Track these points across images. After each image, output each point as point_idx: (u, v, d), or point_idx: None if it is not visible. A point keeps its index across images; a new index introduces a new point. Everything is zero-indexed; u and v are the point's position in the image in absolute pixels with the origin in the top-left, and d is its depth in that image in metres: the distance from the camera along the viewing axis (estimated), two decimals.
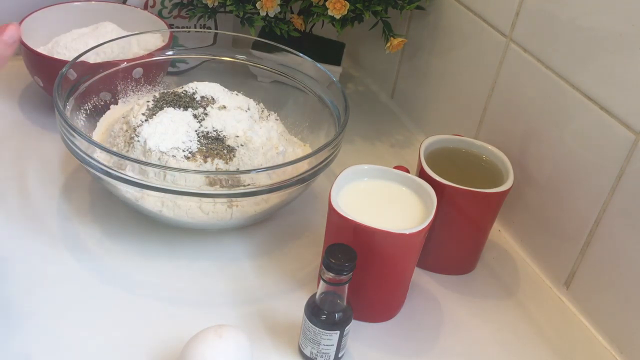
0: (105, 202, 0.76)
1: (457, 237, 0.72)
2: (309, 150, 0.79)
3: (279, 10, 0.86)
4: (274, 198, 0.70)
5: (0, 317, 0.62)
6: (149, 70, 0.83)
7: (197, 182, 0.65)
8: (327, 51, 0.99)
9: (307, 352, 0.61)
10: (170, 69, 0.88)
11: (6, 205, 0.74)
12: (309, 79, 0.82)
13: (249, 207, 0.70)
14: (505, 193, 0.68)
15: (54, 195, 0.76)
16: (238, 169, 0.70)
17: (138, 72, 0.82)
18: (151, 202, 0.68)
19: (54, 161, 0.80)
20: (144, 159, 0.69)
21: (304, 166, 0.68)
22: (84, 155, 0.66)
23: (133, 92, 0.82)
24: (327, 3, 0.82)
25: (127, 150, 0.71)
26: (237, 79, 0.82)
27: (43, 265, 0.68)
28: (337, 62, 0.98)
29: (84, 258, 0.69)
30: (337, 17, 0.82)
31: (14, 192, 0.76)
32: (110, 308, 0.64)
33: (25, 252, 0.69)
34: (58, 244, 0.70)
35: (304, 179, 0.68)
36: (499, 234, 0.80)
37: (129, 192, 0.68)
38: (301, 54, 0.82)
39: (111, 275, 0.68)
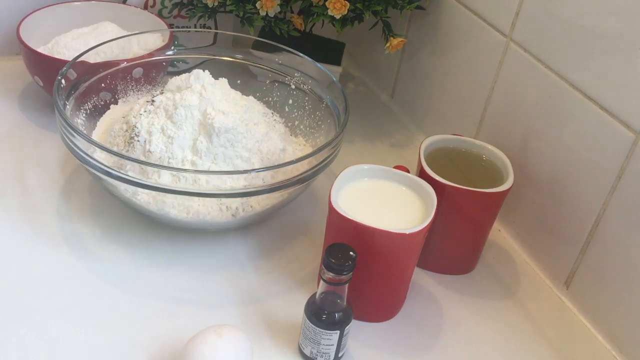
0: (105, 202, 0.76)
1: (457, 237, 0.72)
2: (309, 150, 0.79)
3: (279, 10, 0.86)
4: (274, 198, 0.70)
5: (0, 317, 0.62)
6: (149, 70, 0.83)
7: (197, 182, 0.65)
8: (327, 51, 0.99)
9: (307, 352, 0.61)
10: (170, 69, 0.88)
11: (6, 205, 0.74)
12: (309, 79, 0.82)
13: (249, 207, 0.70)
14: (505, 193, 0.68)
15: (54, 195, 0.76)
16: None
17: (138, 72, 0.82)
18: (151, 202, 0.68)
19: (54, 161, 0.80)
20: (144, 159, 0.69)
21: (304, 166, 0.68)
22: (84, 155, 0.66)
23: (133, 92, 0.82)
24: (327, 3, 0.82)
25: (127, 150, 0.71)
26: (237, 78, 0.82)
27: (43, 265, 0.68)
28: (337, 62, 0.97)
29: (84, 258, 0.69)
30: (337, 17, 0.82)
31: (14, 192, 0.76)
32: (110, 308, 0.64)
33: (25, 252, 0.69)
34: (58, 243, 0.70)
35: (304, 179, 0.68)
36: (499, 234, 0.80)
37: (129, 192, 0.68)
38: (301, 54, 0.82)
39: (111, 275, 0.68)
